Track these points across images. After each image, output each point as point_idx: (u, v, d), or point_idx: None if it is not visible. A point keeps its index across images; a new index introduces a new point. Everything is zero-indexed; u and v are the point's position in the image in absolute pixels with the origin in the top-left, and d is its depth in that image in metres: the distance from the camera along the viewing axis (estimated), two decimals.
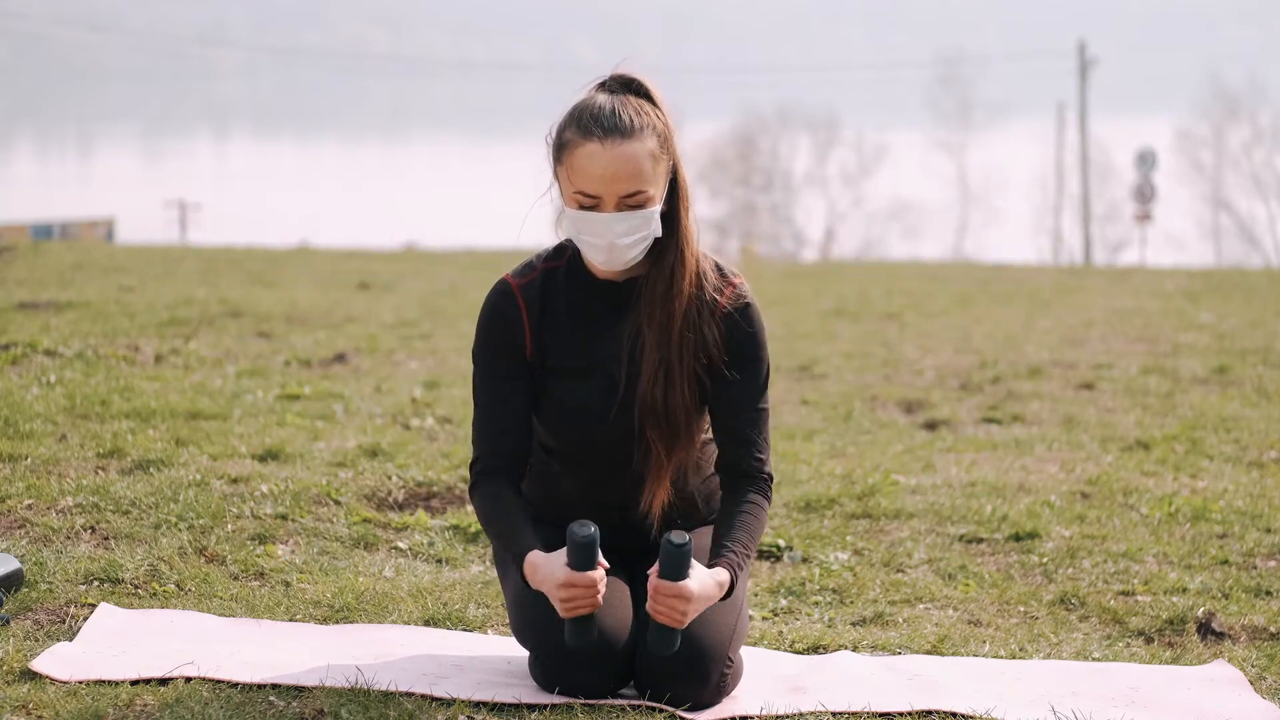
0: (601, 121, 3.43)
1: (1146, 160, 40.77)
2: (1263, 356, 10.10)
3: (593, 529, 3.33)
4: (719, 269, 3.59)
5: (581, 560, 3.33)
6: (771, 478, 3.60)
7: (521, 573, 3.45)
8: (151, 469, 5.41)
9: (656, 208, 3.48)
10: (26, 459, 5.44)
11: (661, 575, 3.33)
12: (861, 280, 17.68)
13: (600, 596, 3.34)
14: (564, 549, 3.37)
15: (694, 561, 3.37)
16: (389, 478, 5.51)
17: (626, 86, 3.52)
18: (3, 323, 9.51)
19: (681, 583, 3.32)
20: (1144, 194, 40.33)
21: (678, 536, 3.32)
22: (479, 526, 4.94)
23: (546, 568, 3.38)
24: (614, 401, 3.52)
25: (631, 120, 3.44)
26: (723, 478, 3.60)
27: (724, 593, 3.42)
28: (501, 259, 19.54)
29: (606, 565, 3.38)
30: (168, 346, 8.75)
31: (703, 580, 3.36)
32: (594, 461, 3.57)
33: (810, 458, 6.37)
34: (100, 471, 5.37)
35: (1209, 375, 9.26)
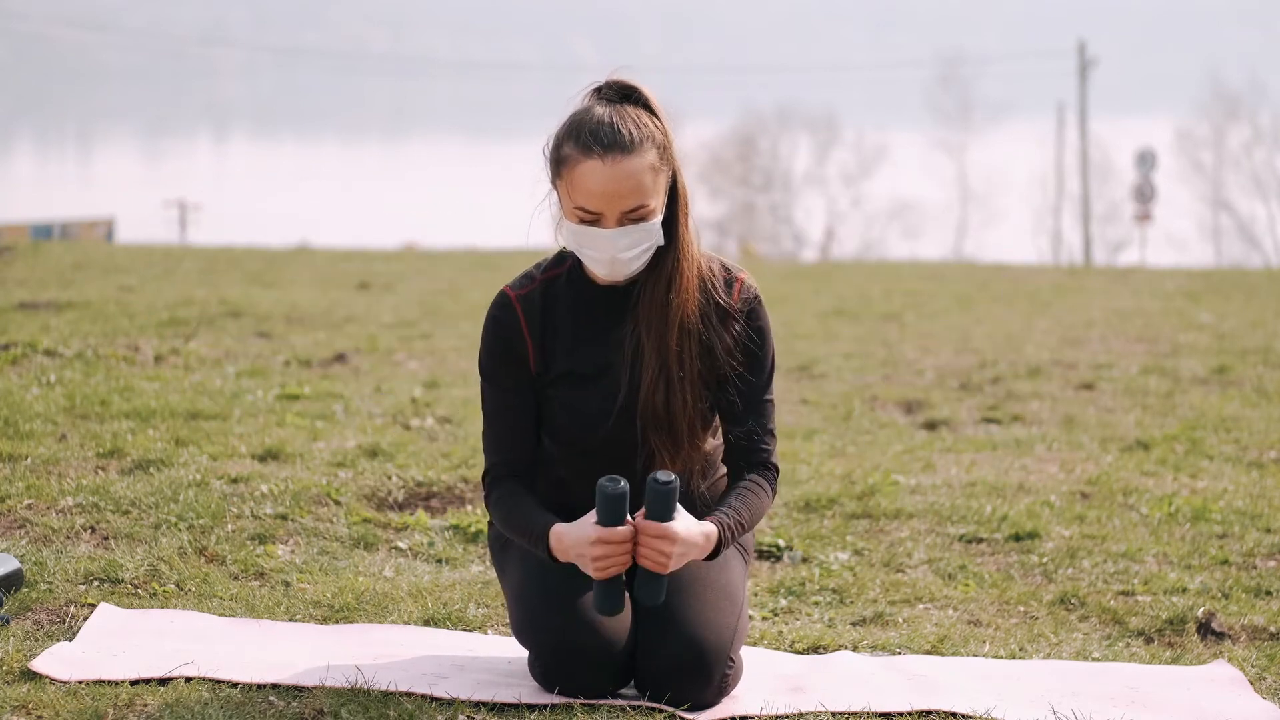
0: (601, 138, 3.41)
1: (1146, 160, 40.76)
2: (1263, 356, 10.10)
3: (623, 484, 3.32)
4: (725, 268, 3.59)
5: (612, 516, 3.32)
6: (777, 468, 3.61)
7: (548, 550, 3.43)
8: (151, 469, 5.41)
9: (658, 219, 3.47)
10: (26, 459, 5.44)
11: (648, 516, 3.34)
12: (861, 280, 17.67)
13: (630, 557, 3.33)
14: (591, 511, 3.37)
15: (682, 509, 3.37)
16: (389, 478, 5.51)
17: (624, 96, 3.50)
18: (3, 323, 9.51)
19: (667, 524, 3.33)
20: (1144, 194, 40.33)
21: (664, 474, 3.33)
22: (479, 526, 4.94)
23: (575, 531, 3.37)
24: (615, 406, 3.51)
25: (631, 135, 3.42)
26: (729, 466, 3.61)
27: (710, 549, 3.42)
28: (501, 259, 19.55)
29: (634, 524, 3.36)
30: (168, 346, 8.75)
31: (689, 526, 3.37)
32: (599, 466, 3.56)
33: (810, 458, 6.37)
34: (100, 471, 5.37)
35: (1209, 375, 9.26)
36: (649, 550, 3.33)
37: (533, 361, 3.55)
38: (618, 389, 3.51)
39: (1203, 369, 9.50)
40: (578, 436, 3.54)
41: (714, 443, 3.65)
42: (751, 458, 3.57)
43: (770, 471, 3.58)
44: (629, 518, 3.35)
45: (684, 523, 3.36)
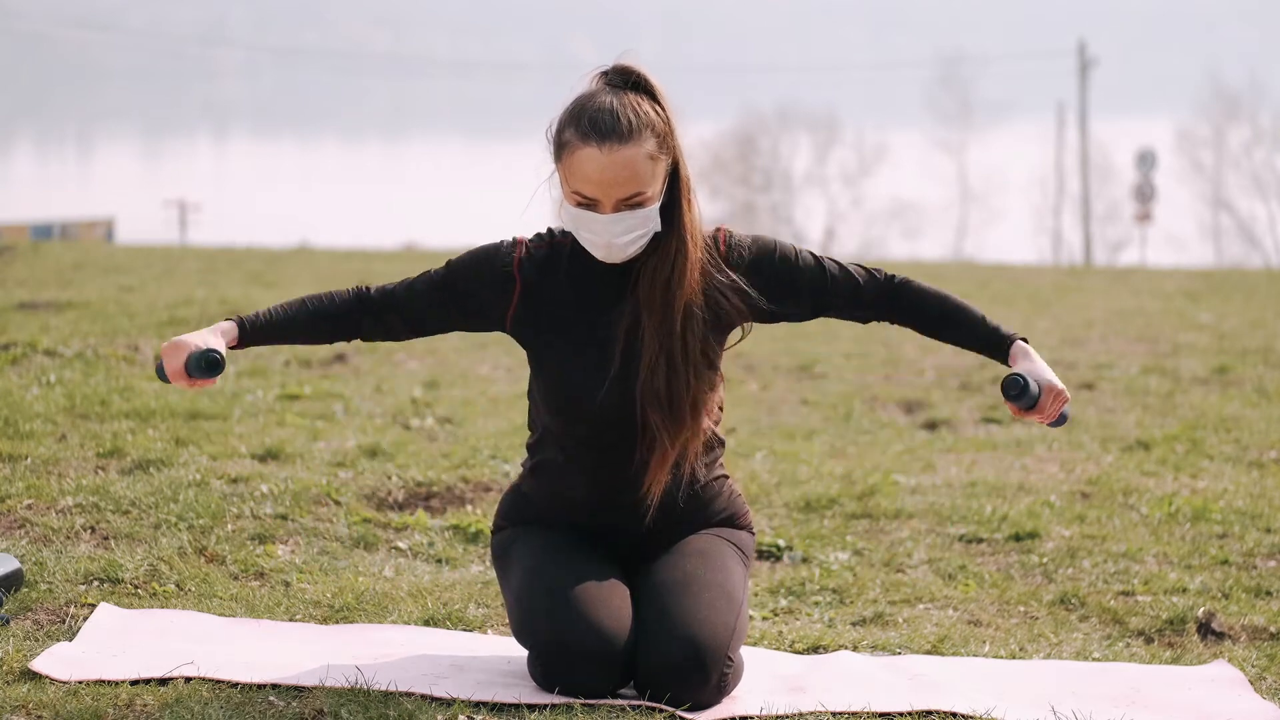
0: (600, 125, 3.43)
1: (1146, 160, 40.81)
2: (1263, 356, 10.10)
3: (220, 358, 3.47)
4: (710, 233, 3.62)
5: (195, 367, 3.47)
6: (893, 276, 3.70)
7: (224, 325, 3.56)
8: (151, 469, 5.41)
9: (655, 206, 3.49)
10: (26, 459, 5.44)
11: (1026, 407, 3.58)
12: None
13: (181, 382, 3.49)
14: (209, 336, 3.51)
15: (1018, 374, 3.58)
16: (389, 478, 5.51)
17: (628, 82, 3.52)
18: (3, 323, 9.51)
19: (1044, 383, 3.57)
20: (1144, 194, 40.37)
21: (1010, 385, 3.58)
22: (479, 526, 4.94)
23: (192, 339, 3.49)
24: (606, 377, 3.52)
25: (630, 123, 3.43)
26: (885, 308, 3.68)
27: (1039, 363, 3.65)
28: None
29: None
30: None
31: (1040, 374, 3.60)
32: (601, 449, 3.57)
33: (810, 458, 6.37)
34: (100, 471, 5.37)
35: (1209, 375, 9.26)
36: (1053, 408, 3.58)
37: (514, 305, 3.57)
38: (610, 364, 3.52)
39: (1203, 369, 9.50)
40: (569, 404, 3.54)
41: (712, 422, 3.64)
42: (883, 288, 3.66)
43: (896, 280, 3.68)
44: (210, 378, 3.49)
45: (1038, 371, 3.60)
